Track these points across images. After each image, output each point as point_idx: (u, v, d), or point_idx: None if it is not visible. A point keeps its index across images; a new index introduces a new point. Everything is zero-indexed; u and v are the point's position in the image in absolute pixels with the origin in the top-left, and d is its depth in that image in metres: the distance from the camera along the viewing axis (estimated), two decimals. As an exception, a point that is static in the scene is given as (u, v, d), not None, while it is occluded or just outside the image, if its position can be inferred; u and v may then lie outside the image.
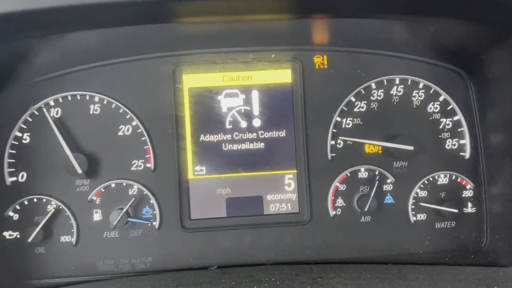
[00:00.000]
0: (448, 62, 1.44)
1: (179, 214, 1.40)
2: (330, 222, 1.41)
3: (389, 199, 1.42)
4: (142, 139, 1.39)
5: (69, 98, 1.39)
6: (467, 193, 1.42)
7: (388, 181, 1.42)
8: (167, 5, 1.13)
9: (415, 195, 1.42)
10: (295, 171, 1.42)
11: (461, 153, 1.43)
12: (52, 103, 1.39)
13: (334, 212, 1.42)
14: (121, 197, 1.39)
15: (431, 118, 1.43)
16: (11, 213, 1.37)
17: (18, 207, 1.37)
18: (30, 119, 1.39)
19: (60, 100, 1.39)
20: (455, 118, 1.43)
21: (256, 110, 1.43)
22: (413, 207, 1.42)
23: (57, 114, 1.39)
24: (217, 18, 1.24)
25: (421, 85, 1.43)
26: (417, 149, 1.39)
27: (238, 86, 1.43)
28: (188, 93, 1.41)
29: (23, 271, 1.37)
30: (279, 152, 1.43)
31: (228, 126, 1.43)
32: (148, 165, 1.40)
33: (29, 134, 1.38)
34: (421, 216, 1.42)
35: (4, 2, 1.02)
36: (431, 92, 1.43)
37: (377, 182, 1.39)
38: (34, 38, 1.25)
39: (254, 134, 1.43)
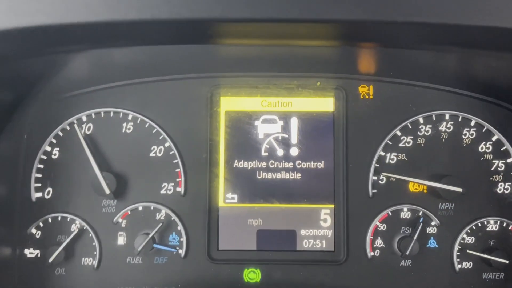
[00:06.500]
0: (503, 100, 1.34)
1: (207, 243, 1.32)
2: (368, 264, 1.32)
3: (432, 243, 1.32)
4: (174, 161, 1.33)
5: (102, 114, 1.35)
6: (519, 243, 1.31)
7: (432, 223, 1.32)
8: (209, 26, 1.08)
9: (462, 241, 1.31)
10: (333, 206, 1.33)
11: (514, 198, 1.33)
12: (84, 118, 1.35)
13: (372, 253, 1.32)
14: (148, 221, 1.32)
15: (482, 159, 1.33)
16: (33, 230, 1.32)
17: (41, 225, 1.32)
18: (61, 134, 1.34)
19: (93, 116, 1.35)
20: (509, 160, 1.33)
21: (294, 138, 1.36)
22: (458, 253, 1.31)
23: (88, 130, 1.35)
24: (260, 41, 1.18)
25: (472, 123, 1.34)
26: (466, 191, 1.29)
27: (276, 112, 1.36)
28: (225, 117, 1.35)
29: (41, 292, 1.32)
30: (316, 185, 1.34)
31: (263, 154, 1.35)
32: (178, 189, 1.33)
33: (58, 149, 1.34)
34: (467, 265, 1.31)
35: (42, 14, 0.99)
36: (483, 131, 1.34)
37: (421, 224, 1.29)
38: (71, 52, 1.22)
39: (291, 163, 1.35)
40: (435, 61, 1.25)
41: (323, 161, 1.35)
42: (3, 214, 1.30)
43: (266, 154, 1.35)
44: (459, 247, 1.31)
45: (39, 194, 1.33)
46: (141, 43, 1.20)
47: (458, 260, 1.31)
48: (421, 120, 1.34)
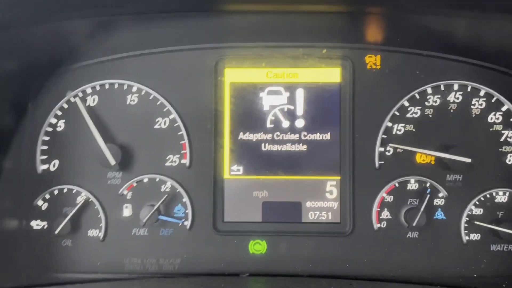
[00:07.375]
0: (513, 69, 1.32)
1: (212, 215, 1.32)
2: (374, 235, 1.31)
3: (439, 215, 1.30)
4: (179, 133, 1.33)
5: (107, 86, 1.34)
6: (529, 214, 1.29)
7: (440, 195, 1.30)
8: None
9: (469, 213, 1.29)
10: (339, 177, 1.32)
11: (524, 170, 1.30)
12: (89, 90, 1.34)
13: (378, 225, 1.31)
14: (153, 193, 1.32)
15: (491, 129, 1.31)
16: (40, 202, 1.33)
17: (47, 197, 1.33)
18: (65, 106, 1.34)
19: (98, 88, 1.34)
20: (519, 130, 1.31)
21: (300, 110, 1.34)
22: (466, 225, 1.29)
23: (93, 102, 1.34)
24: (266, 7, 1.15)
25: (482, 93, 1.31)
26: (475, 162, 1.26)
27: (282, 84, 1.34)
28: (230, 88, 1.34)
29: (48, 263, 1.32)
30: (322, 156, 1.33)
31: (269, 125, 1.34)
32: (183, 161, 1.33)
33: (64, 121, 1.34)
34: (475, 236, 1.30)
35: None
36: (493, 100, 1.31)
37: (428, 195, 1.28)
38: (77, 22, 1.21)
39: (297, 135, 1.34)
40: (444, 29, 1.23)
41: (329, 133, 1.33)
42: (9, 186, 1.31)
43: (272, 125, 1.34)
44: (467, 218, 1.30)
45: (45, 166, 1.33)
46: (146, 10, 1.18)
47: (466, 231, 1.30)
48: (429, 90, 1.31)
